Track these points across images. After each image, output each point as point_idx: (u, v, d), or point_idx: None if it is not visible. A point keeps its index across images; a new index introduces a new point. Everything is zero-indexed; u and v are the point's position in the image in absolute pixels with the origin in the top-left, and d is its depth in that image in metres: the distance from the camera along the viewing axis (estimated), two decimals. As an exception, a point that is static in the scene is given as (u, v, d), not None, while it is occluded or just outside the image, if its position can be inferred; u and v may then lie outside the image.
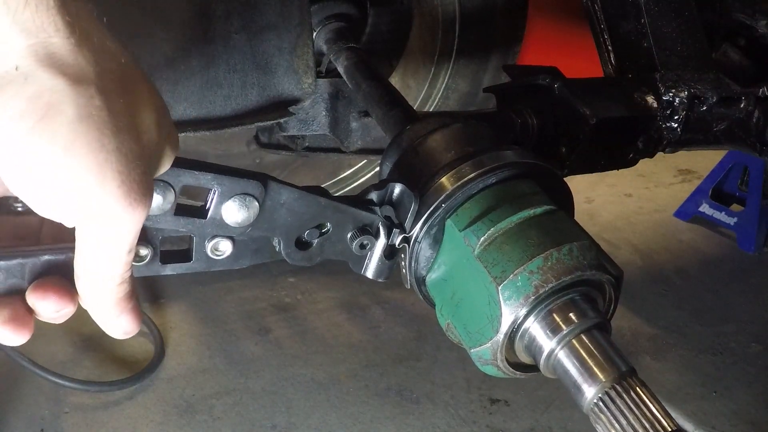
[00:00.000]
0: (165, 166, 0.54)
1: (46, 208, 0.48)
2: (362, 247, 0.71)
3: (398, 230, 0.72)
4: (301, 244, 0.69)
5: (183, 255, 0.64)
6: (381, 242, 0.72)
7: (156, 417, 1.59)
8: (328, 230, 0.69)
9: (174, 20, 1.13)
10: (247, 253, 0.67)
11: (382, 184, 0.73)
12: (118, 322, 0.56)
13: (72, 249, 0.55)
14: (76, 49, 0.46)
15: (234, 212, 0.60)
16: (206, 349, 1.82)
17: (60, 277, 0.57)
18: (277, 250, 0.69)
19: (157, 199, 0.55)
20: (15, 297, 0.57)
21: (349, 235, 0.70)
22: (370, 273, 0.74)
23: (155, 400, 1.64)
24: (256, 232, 0.64)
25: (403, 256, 0.74)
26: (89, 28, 0.48)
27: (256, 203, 0.60)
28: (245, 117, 1.24)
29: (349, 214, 0.69)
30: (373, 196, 0.72)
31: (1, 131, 0.44)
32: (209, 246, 0.64)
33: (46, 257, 0.59)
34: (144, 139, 0.49)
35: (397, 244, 0.73)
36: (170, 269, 0.63)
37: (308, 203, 0.66)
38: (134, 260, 0.60)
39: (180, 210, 0.57)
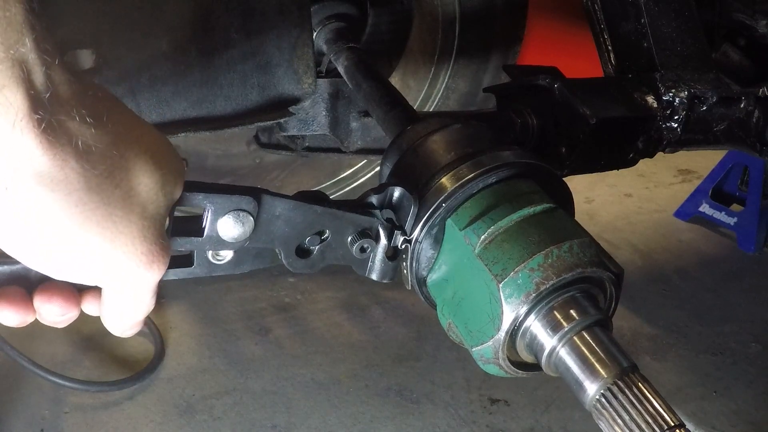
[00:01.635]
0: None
1: (63, 277, 0.52)
2: (363, 250, 0.71)
3: (399, 232, 0.72)
4: (302, 252, 0.69)
5: (184, 260, 0.65)
6: (382, 244, 0.72)
7: (156, 417, 1.59)
8: (328, 237, 0.69)
9: (174, 20, 1.13)
10: (248, 259, 0.68)
11: (381, 187, 0.73)
12: (131, 332, 0.61)
13: None
14: (61, 164, 0.46)
15: (230, 228, 0.60)
16: (206, 349, 1.82)
17: (64, 282, 0.58)
18: (279, 256, 0.69)
19: None
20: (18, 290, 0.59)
21: (349, 240, 0.71)
22: (374, 275, 0.75)
23: (155, 400, 1.64)
24: (254, 245, 0.64)
25: (404, 256, 0.75)
26: (76, 131, 0.47)
27: (251, 218, 0.61)
28: (245, 117, 1.24)
29: (346, 219, 0.69)
30: (373, 199, 0.72)
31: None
32: (210, 252, 0.65)
33: None
34: (151, 207, 0.52)
35: (398, 245, 0.73)
36: (172, 274, 0.64)
37: (304, 213, 0.66)
38: None
39: (176, 231, 0.58)
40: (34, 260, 0.49)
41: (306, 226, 0.67)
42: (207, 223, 0.60)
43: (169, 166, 0.54)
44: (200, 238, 0.60)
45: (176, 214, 0.58)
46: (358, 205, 0.72)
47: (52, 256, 0.49)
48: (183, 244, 0.60)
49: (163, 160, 0.53)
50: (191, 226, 0.60)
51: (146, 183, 0.51)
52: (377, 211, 0.72)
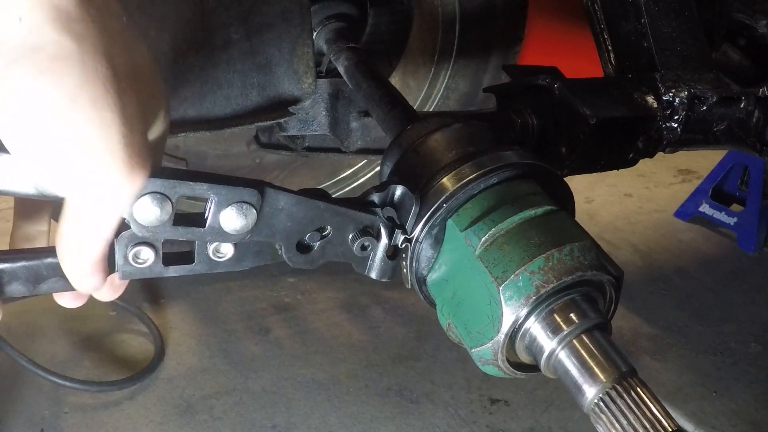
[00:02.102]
0: (156, 133, 0.54)
1: (39, 161, 0.46)
2: (363, 248, 0.71)
3: (400, 231, 0.72)
4: (303, 248, 0.69)
5: (185, 257, 0.65)
6: (382, 243, 0.72)
7: (156, 417, 1.59)
8: (329, 233, 0.69)
9: (174, 20, 1.13)
10: (249, 255, 0.68)
11: (383, 186, 0.73)
12: (91, 280, 0.56)
13: None
14: (82, 6, 0.45)
15: (232, 220, 0.60)
16: (206, 349, 1.82)
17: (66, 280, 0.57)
18: (279, 253, 0.69)
19: (155, 211, 0.55)
20: None
21: (350, 237, 0.70)
22: (373, 273, 0.74)
23: (155, 400, 1.64)
24: (255, 238, 0.64)
25: (404, 256, 0.75)
26: None
27: (254, 210, 0.61)
28: (245, 117, 1.24)
29: (348, 216, 0.69)
30: (375, 197, 0.72)
31: (2, 76, 0.43)
32: (211, 248, 0.65)
33: (50, 260, 0.59)
34: (143, 102, 0.49)
35: (399, 244, 0.73)
36: (173, 271, 0.64)
37: (306, 208, 0.66)
38: (136, 262, 0.61)
39: (179, 220, 0.58)
40: (15, 101, 0.44)
41: (308, 222, 0.67)
42: (209, 214, 0.59)
43: (161, 84, 0.52)
44: (202, 229, 0.60)
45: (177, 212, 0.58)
46: (359, 202, 0.72)
47: (32, 121, 0.44)
48: (184, 234, 0.59)
49: (157, 73, 0.51)
50: (194, 218, 0.60)
51: (145, 77, 0.49)
52: (379, 210, 0.72)
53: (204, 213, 0.60)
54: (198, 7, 1.15)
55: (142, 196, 0.54)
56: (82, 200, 0.50)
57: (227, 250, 0.65)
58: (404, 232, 0.73)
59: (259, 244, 0.68)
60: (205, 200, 0.59)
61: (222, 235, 0.61)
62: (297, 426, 1.59)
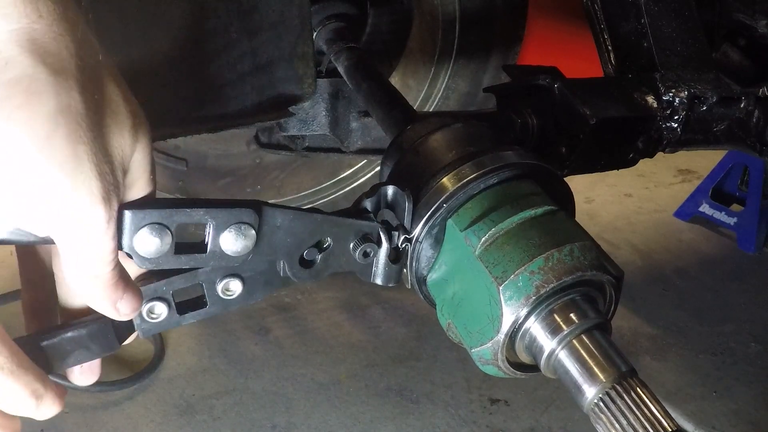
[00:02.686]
0: (137, 165, 0.54)
1: (17, 206, 0.47)
2: (366, 255, 0.71)
3: (398, 231, 0.72)
4: (306, 263, 0.69)
5: (198, 302, 0.66)
6: (384, 248, 0.72)
7: (156, 417, 1.59)
8: (329, 245, 0.69)
9: (174, 20, 1.13)
10: (259, 287, 0.68)
11: (372, 190, 0.72)
12: (121, 305, 0.56)
13: (95, 320, 0.60)
14: (59, 38, 0.46)
15: (232, 242, 0.60)
16: (206, 349, 1.82)
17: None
18: (281, 275, 0.69)
19: (155, 242, 0.56)
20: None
21: (351, 246, 0.70)
22: (379, 279, 0.74)
23: (155, 400, 1.64)
24: (258, 258, 0.64)
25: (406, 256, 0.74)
26: (74, 19, 0.47)
27: (253, 230, 0.61)
28: (245, 117, 1.24)
29: (347, 225, 0.69)
30: (367, 204, 0.72)
31: None
32: (219, 288, 0.66)
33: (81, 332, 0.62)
34: (119, 132, 0.50)
35: (399, 245, 0.73)
36: (189, 318, 0.66)
37: (304, 222, 0.66)
38: (151, 318, 0.63)
39: (179, 248, 0.58)
40: None
41: (307, 235, 0.67)
42: (209, 238, 0.60)
43: (140, 117, 0.52)
44: (204, 255, 0.60)
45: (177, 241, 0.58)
46: (354, 211, 0.72)
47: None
48: (187, 262, 0.59)
49: (134, 108, 0.52)
50: (194, 245, 0.60)
51: (120, 111, 0.50)
52: (373, 215, 0.72)
53: (204, 239, 0.60)
54: (198, 7, 1.15)
55: (141, 228, 0.54)
56: (68, 239, 0.50)
57: (236, 287, 0.66)
58: (404, 231, 0.72)
59: (265, 275, 0.68)
60: (204, 226, 0.60)
61: (224, 258, 0.61)
62: (297, 426, 1.59)
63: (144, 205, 0.55)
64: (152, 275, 0.63)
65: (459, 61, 1.79)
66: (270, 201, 0.67)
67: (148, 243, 0.55)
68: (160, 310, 0.63)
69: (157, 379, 1.70)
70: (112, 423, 1.57)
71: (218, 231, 0.59)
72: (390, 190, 0.72)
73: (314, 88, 1.27)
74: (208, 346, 1.83)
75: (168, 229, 0.56)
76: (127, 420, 1.58)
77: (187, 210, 0.57)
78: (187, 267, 0.61)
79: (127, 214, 0.54)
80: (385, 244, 0.72)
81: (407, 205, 0.72)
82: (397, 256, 0.73)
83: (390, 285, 0.75)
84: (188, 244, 0.60)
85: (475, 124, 0.84)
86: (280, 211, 0.64)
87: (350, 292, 2.06)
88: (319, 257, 0.69)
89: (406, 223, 0.73)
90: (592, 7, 1.21)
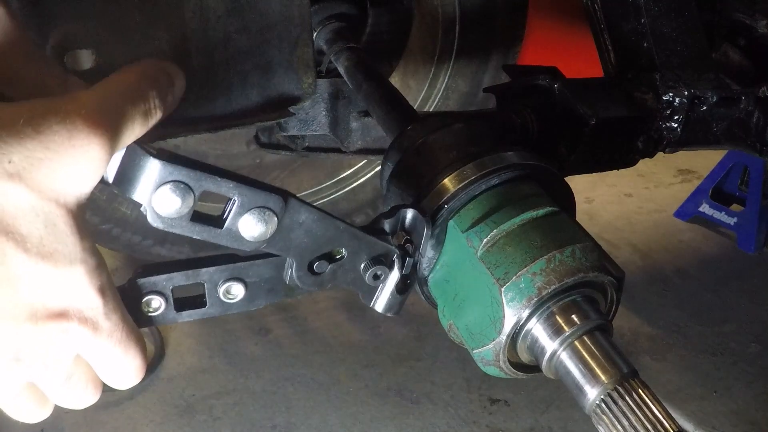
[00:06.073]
0: None
1: None
2: (376, 278, 0.69)
3: (411, 260, 0.70)
4: (313, 270, 0.67)
5: (197, 301, 0.64)
6: (395, 275, 0.70)
7: (156, 417, 1.59)
8: (343, 257, 0.67)
9: (174, 20, 1.13)
10: (261, 294, 0.66)
11: (392, 211, 0.70)
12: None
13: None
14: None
15: (251, 226, 0.58)
16: (206, 349, 1.82)
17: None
18: (286, 283, 0.67)
19: (176, 201, 0.53)
20: None
21: (362, 265, 0.68)
22: (380, 307, 0.72)
23: (155, 400, 1.64)
24: (269, 249, 0.62)
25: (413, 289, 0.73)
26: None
27: (275, 219, 0.59)
28: (245, 117, 1.23)
29: (366, 242, 0.67)
30: (386, 226, 0.69)
31: None
32: (221, 290, 0.63)
33: None
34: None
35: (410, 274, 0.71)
36: (186, 316, 0.63)
37: (326, 226, 0.64)
38: (148, 311, 0.61)
39: (196, 217, 0.56)
40: None
41: (325, 241, 0.64)
42: (230, 215, 0.57)
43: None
44: (219, 230, 0.57)
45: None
46: (372, 230, 0.69)
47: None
48: (200, 233, 0.56)
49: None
50: (211, 219, 0.58)
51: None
52: (390, 237, 0.69)
53: (223, 214, 0.57)
54: (198, 7, 1.15)
55: (165, 183, 0.52)
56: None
57: (238, 291, 0.64)
58: (416, 264, 0.70)
59: (270, 283, 0.66)
60: (227, 200, 0.57)
61: (238, 241, 0.59)
62: (297, 426, 1.59)
63: (175, 158, 0.52)
64: (153, 269, 0.61)
65: (459, 61, 1.78)
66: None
67: (168, 201, 0.52)
68: (157, 304, 0.61)
69: (157, 379, 1.70)
70: (112, 423, 1.57)
71: (241, 209, 0.57)
72: (410, 213, 0.70)
73: (314, 88, 1.27)
74: (208, 346, 1.83)
75: (192, 192, 0.53)
76: (127, 420, 1.58)
77: (218, 178, 0.54)
78: (198, 237, 0.57)
79: (156, 164, 0.51)
80: (396, 272, 0.70)
81: (426, 231, 0.69)
82: (404, 287, 0.71)
83: (389, 314, 0.73)
84: (206, 216, 0.57)
85: (476, 124, 0.84)
86: (306, 208, 0.61)
87: (350, 292, 2.06)
88: (328, 267, 0.66)
89: (423, 249, 0.70)
90: (592, 6, 1.21)
